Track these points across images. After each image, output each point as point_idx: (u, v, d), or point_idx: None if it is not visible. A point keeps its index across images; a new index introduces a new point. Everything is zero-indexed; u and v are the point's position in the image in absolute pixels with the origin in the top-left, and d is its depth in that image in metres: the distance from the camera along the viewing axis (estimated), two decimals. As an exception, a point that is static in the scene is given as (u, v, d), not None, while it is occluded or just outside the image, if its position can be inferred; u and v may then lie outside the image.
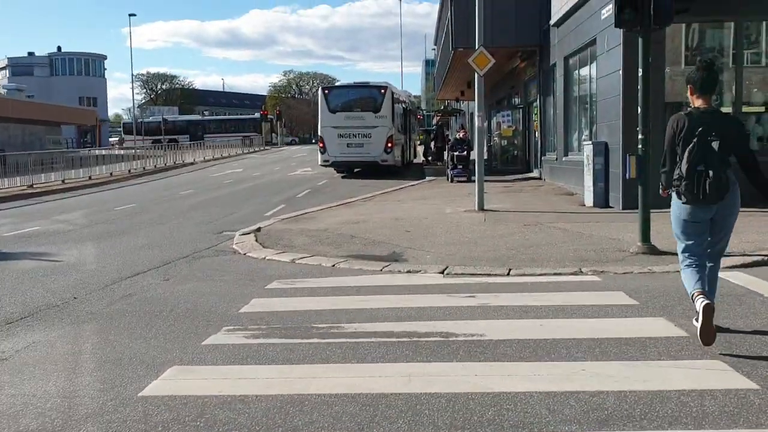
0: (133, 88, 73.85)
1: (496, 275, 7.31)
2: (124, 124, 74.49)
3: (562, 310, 5.64)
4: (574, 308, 5.70)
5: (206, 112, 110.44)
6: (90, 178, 25.85)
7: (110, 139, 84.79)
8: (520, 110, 24.17)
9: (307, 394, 3.78)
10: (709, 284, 4.71)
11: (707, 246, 4.78)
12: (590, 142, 13.78)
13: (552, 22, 17.90)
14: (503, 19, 19.32)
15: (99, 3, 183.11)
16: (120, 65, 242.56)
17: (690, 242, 4.76)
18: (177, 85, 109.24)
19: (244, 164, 37.84)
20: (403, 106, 29.43)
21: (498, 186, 18.62)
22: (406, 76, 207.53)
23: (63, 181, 24.23)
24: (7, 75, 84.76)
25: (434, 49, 45.03)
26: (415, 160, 33.50)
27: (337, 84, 26.89)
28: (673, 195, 4.75)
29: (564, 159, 17.13)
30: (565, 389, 3.74)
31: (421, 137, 35.41)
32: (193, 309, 6.10)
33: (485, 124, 33.06)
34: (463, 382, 3.92)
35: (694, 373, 3.99)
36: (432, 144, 32.52)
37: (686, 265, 4.77)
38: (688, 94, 4.85)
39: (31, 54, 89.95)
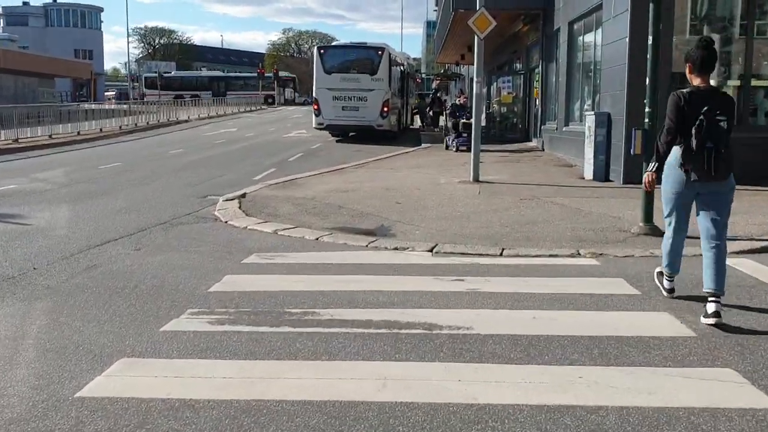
0: (128, 41, 72.10)
1: (487, 255, 6.85)
2: (145, 77, 73.42)
3: (558, 300, 5.19)
4: (571, 297, 5.26)
5: (204, 68, 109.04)
6: (79, 133, 25.16)
7: (106, 93, 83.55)
8: (522, 76, 23.48)
9: (267, 399, 3.33)
10: (716, 273, 4.63)
11: (707, 225, 4.79)
12: (592, 113, 13.23)
13: (558, -16, 17.17)
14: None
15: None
16: (118, 18, 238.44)
17: (672, 215, 4.95)
18: (175, 41, 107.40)
19: (239, 124, 37.11)
20: (401, 69, 28.65)
21: (495, 155, 18.08)
22: (407, 38, 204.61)
23: (50, 136, 23.56)
24: (2, 25, 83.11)
25: (436, 10, 43.94)
26: (412, 126, 32.83)
27: (333, 44, 26.06)
28: (675, 170, 4.75)
29: (564, 129, 16.58)
30: (560, 402, 3.30)
31: (418, 101, 34.55)
32: (160, 286, 5.64)
33: (484, 90, 32.44)
34: (445, 389, 3.48)
35: (705, 385, 3.54)
36: (428, 109, 31.85)
37: (668, 237, 5.04)
38: (687, 71, 4.88)
39: (26, 4, 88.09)
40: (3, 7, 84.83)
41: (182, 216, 9.36)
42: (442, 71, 51.98)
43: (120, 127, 29.05)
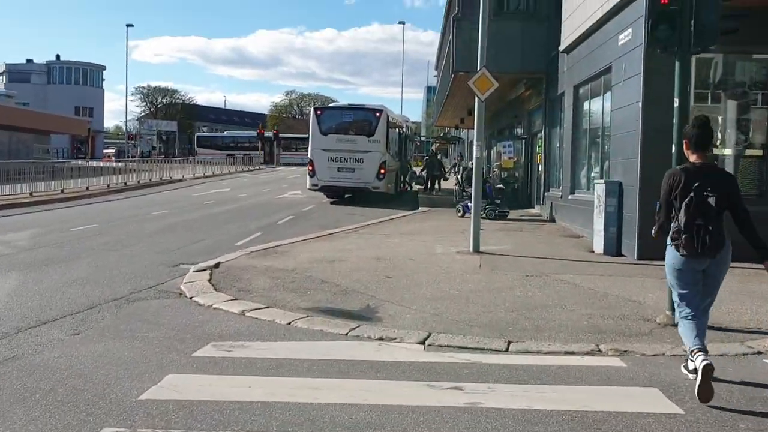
0: (127, 100, 72.80)
1: (491, 350, 5.73)
2: (198, 137, 74.60)
3: (580, 422, 4.06)
4: (596, 419, 4.13)
5: (204, 128, 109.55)
6: (63, 191, 24.21)
7: (105, 151, 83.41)
8: (523, 141, 22.73)
9: None
10: (702, 333, 4.84)
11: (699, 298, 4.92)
12: (602, 181, 12.29)
13: (561, 48, 16.51)
14: (508, 44, 17.96)
15: (108, 14, 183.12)
16: (122, 77, 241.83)
17: (685, 291, 4.91)
18: (178, 100, 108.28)
19: (234, 184, 36.32)
20: (399, 131, 28.01)
21: (496, 223, 17.09)
22: (408, 102, 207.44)
23: (31, 193, 22.59)
24: (4, 81, 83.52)
25: (436, 75, 43.83)
26: (409, 188, 32.00)
27: (330, 105, 25.46)
28: (670, 247, 4.89)
29: (570, 197, 15.62)
30: None
31: (420, 163, 33.64)
32: (81, 390, 4.51)
33: (484, 154, 31.64)
34: None
35: None
36: (422, 170, 31.10)
37: (684, 317, 4.91)
38: (684, 148, 5.08)
39: (29, 61, 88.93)
40: (6, 64, 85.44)
41: (143, 290, 8.25)
42: (441, 134, 51.68)
43: (108, 185, 28.15)
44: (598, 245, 11.89)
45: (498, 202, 18.38)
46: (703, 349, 4.60)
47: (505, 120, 27.54)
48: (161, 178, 35.90)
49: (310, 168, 24.01)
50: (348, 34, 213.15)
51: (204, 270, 9.18)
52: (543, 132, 19.30)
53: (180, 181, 37.30)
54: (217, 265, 9.55)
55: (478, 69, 11.63)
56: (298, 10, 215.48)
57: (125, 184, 30.10)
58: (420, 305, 7.32)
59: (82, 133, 64.41)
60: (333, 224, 16.57)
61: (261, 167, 60.84)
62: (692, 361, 4.72)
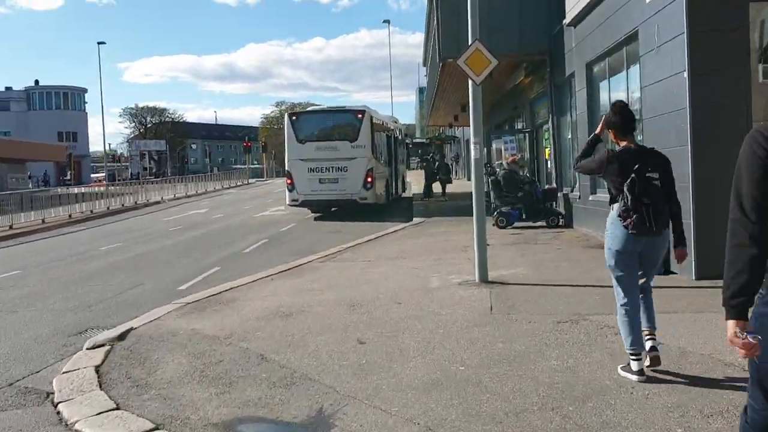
0: (103, 121, 69.88)
1: None
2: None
3: None
4: None
5: (194, 146, 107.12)
6: (11, 227, 21.51)
7: (92, 176, 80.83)
8: (526, 135, 20.03)
9: None
10: (648, 317, 5.00)
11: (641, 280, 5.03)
12: (638, 178, 9.58)
13: (567, 20, 13.84)
14: (503, 21, 15.25)
15: (96, 37, 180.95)
16: (115, 100, 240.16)
17: (622, 273, 4.96)
18: (167, 119, 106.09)
19: (216, 202, 33.65)
20: (387, 133, 25.31)
21: (505, 232, 14.39)
22: (402, 105, 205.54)
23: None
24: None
25: (426, 75, 41.10)
26: (403, 194, 29.29)
27: (306, 109, 22.74)
28: (612, 228, 4.92)
29: (591, 198, 12.90)
30: None
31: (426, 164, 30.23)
32: None
33: (483, 153, 28.80)
34: None
35: None
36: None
37: (622, 305, 4.94)
38: (612, 137, 5.10)
39: (8, 89, 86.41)
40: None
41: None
42: (436, 135, 48.99)
43: (70, 215, 25.41)
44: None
45: (550, 206, 15.38)
46: (640, 356, 4.79)
47: (504, 113, 24.86)
48: (136, 202, 33.23)
49: (289, 182, 21.34)
50: (336, 42, 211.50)
51: (101, 346, 6.46)
52: (550, 122, 16.59)
53: (157, 203, 34.62)
54: (123, 336, 6.81)
55: (470, 43, 8.94)
56: (285, 22, 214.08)
57: (91, 212, 27.39)
58: (404, 402, 4.60)
59: (61, 159, 61.61)
60: (310, 248, 13.91)
61: (250, 181, 58.20)
62: (633, 358, 4.82)
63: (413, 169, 40.21)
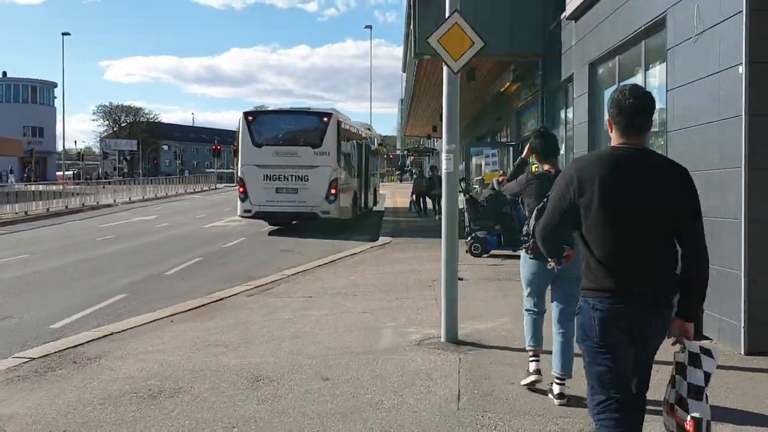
0: (64, 118, 66.56)
1: None
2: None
3: None
4: None
5: (165, 147, 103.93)
6: None
7: (58, 173, 77.32)
8: (510, 149, 17.70)
9: None
10: (563, 357, 4.75)
11: (557, 306, 4.93)
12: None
13: (567, 13, 11.58)
14: (491, 16, 12.99)
15: (81, 35, 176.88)
16: (96, 99, 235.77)
17: (531, 287, 5.08)
18: (142, 118, 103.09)
19: (169, 209, 30.95)
20: (358, 141, 22.87)
21: (479, 262, 12.03)
22: (386, 117, 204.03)
23: None
24: (-56, 101, 77.31)
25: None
26: (374, 208, 26.87)
27: (265, 108, 20.37)
28: (522, 251, 5.02)
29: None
30: None
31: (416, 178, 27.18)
32: None
33: (460, 167, 26.70)
34: None
35: None
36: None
37: (527, 310, 5.13)
38: (536, 160, 5.24)
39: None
40: (-54, 83, 79.38)
41: None
42: (414, 146, 46.73)
43: (-1, 216, 22.63)
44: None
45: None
46: (538, 355, 4.99)
47: (486, 124, 22.59)
48: (83, 204, 30.47)
49: (241, 190, 18.78)
50: (322, 51, 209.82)
51: None
52: (539, 135, 14.26)
53: (108, 206, 31.83)
54: None
55: (447, 16, 6.55)
56: (271, 28, 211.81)
57: (26, 213, 24.62)
58: None
59: (17, 155, 58.33)
60: (246, 273, 11.49)
61: (217, 186, 55.43)
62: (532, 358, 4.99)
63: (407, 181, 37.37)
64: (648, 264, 2.93)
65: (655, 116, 8.59)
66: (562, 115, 12.96)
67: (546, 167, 5.01)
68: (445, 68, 6.74)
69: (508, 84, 16.61)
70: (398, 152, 79.22)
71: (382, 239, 16.37)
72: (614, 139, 3.10)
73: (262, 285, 9.97)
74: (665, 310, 2.98)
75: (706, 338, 6.59)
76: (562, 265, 4.09)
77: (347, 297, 9.02)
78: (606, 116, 3.20)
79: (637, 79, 9.07)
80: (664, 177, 2.97)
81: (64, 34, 57.98)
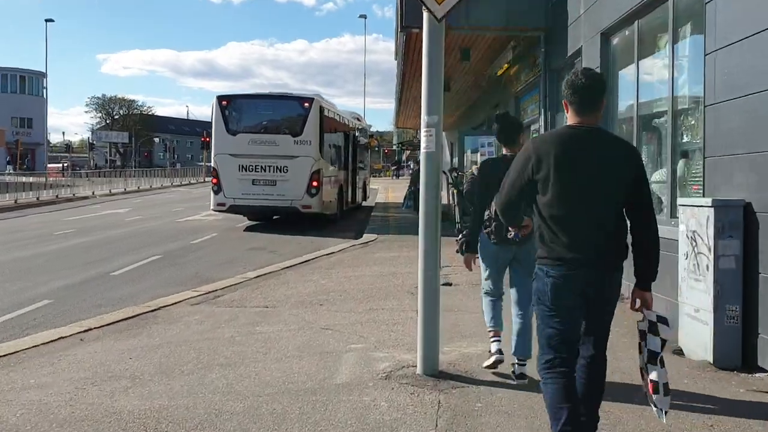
0: (46, 110, 65.10)
1: None
2: None
3: None
4: None
5: (156, 140, 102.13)
6: None
7: (49, 165, 75.50)
8: (509, 138, 16.13)
9: None
10: (520, 338, 4.81)
11: (516, 290, 4.97)
12: (702, 202, 5.67)
13: (575, -23, 10.01)
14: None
15: (78, 29, 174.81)
16: (93, 92, 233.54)
17: (491, 270, 5.09)
18: (135, 111, 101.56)
19: (150, 200, 29.47)
20: (345, 131, 21.28)
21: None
22: (383, 113, 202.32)
23: None
24: (-68, 90, 75.41)
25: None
26: (364, 203, 25.29)
27: (240, 92, 18.71)
28: (482, 234, 4.94)
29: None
30: None
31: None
32: None
33: (452, 158, 25.49)
34: None
35: None
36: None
37: (486, 293, 5.16)
38: (499, 144, 5.24)
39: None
40: (-66, 72, 77.46)
41: None
42: (409, 141, 45.14)
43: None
44: (699, 345, 5.35)
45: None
46: (498, 334, 4.97)
47: (481, 113, 21.02)
48: (57, 196, 29.00)
49: (214, 181, 17.20)
50: (320, 46, 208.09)
51: None
52: (541, 121, 12.71)
53: (84, 198, 30.26)
54: None
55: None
56: (268, 22, 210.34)
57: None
58: None
59: (1, 145, 56.63)
60: (203, 275, 10.03)
61: (206, 179, 53.76)
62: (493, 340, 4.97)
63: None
64: (600, 232, 3.20)
65: (684, 90, 7.06)
66: (568, 97, 11.39)
67: (505, 151, 5.02)
68: (426, 17, 5.17)
69: (506, 65, 15.04)
70: (394, 148, 77.63)
71: (366, 236, 14.83)
72: (570, 118, 3.34)
73: (213, 291, 8.41)
74: (616, 273, 3.29)
75: (762, 370, 5.08)
76: (520, 236, 4.42)
77: (311, 307, 7.46)
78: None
79: (663, 48, 7.51)
80: (615, 152, 3.27)
81: (47, 20, 56.02)
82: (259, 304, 7.63)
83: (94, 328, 6.42)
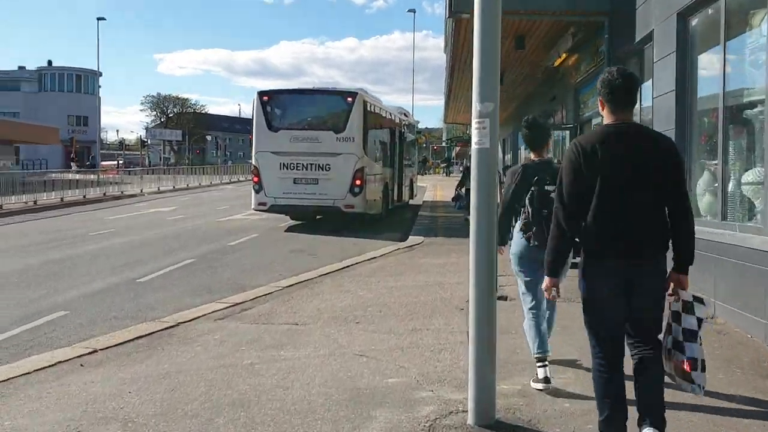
0: (100, 108, 66.10)
1: None
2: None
3: None
4: None
5: (209, 137, 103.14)
6: None
7: (102, 163, 76.82)
8: (567, 132, 14.97)
9: None
10: (542, 337, 4.77)
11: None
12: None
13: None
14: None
15: (136, 30, 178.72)
16: (150, 91, 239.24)
17: (529, 278, 4.91)
18: (189, 109, 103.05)
19: (197, 198, 29.19)
20: (391, 127, 20.36)
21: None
22: (432, 109, 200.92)
23: None
24: (-9, 90, 77.29)
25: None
26: (411, 202, 24.34)
27: (282, 88, 18.00)
28: (516, 238, 4.93)
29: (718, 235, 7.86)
30: None
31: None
32: None
33: (504, 155, 24.82)
34: None
35: None
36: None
37: (530, 312, 4.91)
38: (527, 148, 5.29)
39: (21, 68, 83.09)
40: (-4, 72, 79.57)
41: None
42: (457, 136, 43.97)
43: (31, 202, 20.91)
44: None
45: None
46: (545, 361, 4.67)
47: (536, 105, 19.85)
48: (104, 194, 28.91)
49: (255, 180, 16.56)
50: (369, 43, 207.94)
51: None
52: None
53: (132, 196, 30.13)
54: None
55: None
56: (318, 21, 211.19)
57: (35, 203, 22.96)
58: None
59: (53, 143, 57.57)
60: (237, 282, 9.38)
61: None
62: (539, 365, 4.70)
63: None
64: (642, 225, 3.32)
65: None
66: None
67: (533, 156, 5.02)
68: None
69: (565, 54, 13.89)
70: (444, 144, 76.43)
71: (412, 239, 13.90)
72: (606, 117, 3.48)
73: (241, 303, 7.62)
74: (659, 264, 3.40)
75: None
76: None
77: (345, 325, 6.59)
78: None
79: (758, 26, 6.38)
80: (654, 147, 3.37)
81: (98, 18, 56.70)
82: (288, 321, 6.80)
83: (100, 349, 5.68)
